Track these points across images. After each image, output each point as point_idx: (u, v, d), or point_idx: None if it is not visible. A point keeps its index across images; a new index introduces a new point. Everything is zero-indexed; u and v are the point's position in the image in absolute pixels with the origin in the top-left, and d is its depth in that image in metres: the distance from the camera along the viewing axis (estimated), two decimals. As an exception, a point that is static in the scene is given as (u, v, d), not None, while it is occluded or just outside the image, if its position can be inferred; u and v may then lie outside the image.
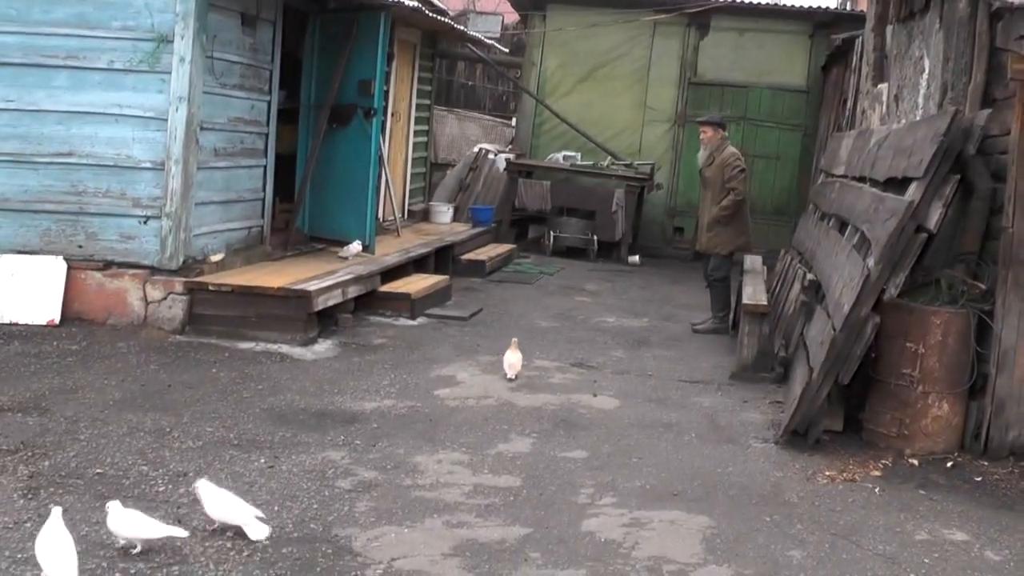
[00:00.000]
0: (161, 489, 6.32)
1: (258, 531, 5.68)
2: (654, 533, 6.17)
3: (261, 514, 5.81)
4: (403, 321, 11.63)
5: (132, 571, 5.21)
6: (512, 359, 9.58)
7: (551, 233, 18.39)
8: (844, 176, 11.72)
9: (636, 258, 18.21)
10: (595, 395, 9.15)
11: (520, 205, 18.72)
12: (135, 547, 5.39)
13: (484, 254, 16.12)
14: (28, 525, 5.63)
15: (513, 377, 9.49)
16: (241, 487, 6.40)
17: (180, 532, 5.51)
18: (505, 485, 6.80)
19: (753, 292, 10.96)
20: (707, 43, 19.71)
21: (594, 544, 5.96)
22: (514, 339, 9.79)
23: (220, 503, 5.72)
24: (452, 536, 5.92)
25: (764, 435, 8.25)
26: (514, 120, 23.48)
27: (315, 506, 6.21)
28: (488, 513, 6.30)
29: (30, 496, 6.03)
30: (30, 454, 6.70)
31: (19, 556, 5.28)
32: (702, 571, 5.70)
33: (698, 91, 19.69)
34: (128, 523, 5.38)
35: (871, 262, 8.01)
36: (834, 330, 7.95)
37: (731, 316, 12.25)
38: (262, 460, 6.93)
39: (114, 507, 5.42)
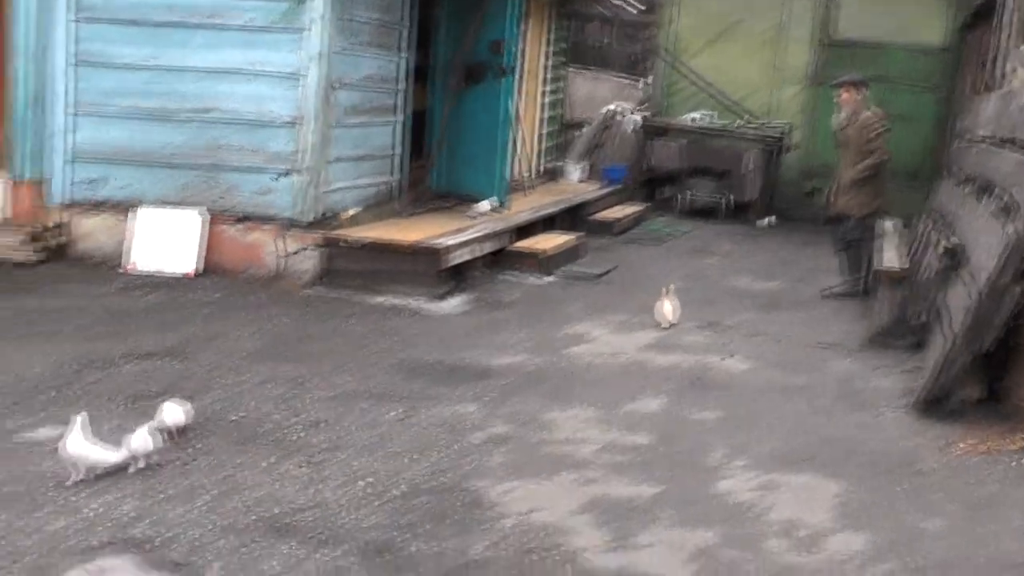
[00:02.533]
0: (297, 436, 6.46)
1: None
2: (787, 497, 6.11)
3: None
4: (533, 279, 11.67)
5: (270, 513, 5.34)
6: (667, 307, 9.77)
7: (682, 194, 18.24)
8: (986, 139, 11.39)
9: (768, 220, 17.98)
10: (729, 357, 9.07)
11: (651, 165, 18.59)
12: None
13: (614, 214, 16.06)
14: (175, 464, 5.81)
15: (669, 325, 9.74)
16: (375, 437, 6.53)
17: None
18: (636, 443, 6.80)
19: (890, 256, 10.74)
20: (843, 1, 19.27)
21: (726, 506, 5.94)
22: (671, 285, 9.95)
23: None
24: (584, 492, 5.95)
25: (898, 402, 8.10)
26: (645, 80, 23.29)
27: (448, 458, 6.29)
28: (619, 471, 6.31)
29: (175, 438, 6.22)
30: (175, 397, 6.89)
31: (168, 491, 5.48)
32: (836, 537, 5.64)
33: (832, 51, 19.22)
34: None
35: (1015, 227, 7.79)
36: (975, 297, 7.75)
37: (864, 281, 12.03)
38: (396, 412, 7.04)
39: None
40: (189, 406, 6.32)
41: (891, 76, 18.87)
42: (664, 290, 9.99)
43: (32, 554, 4.77)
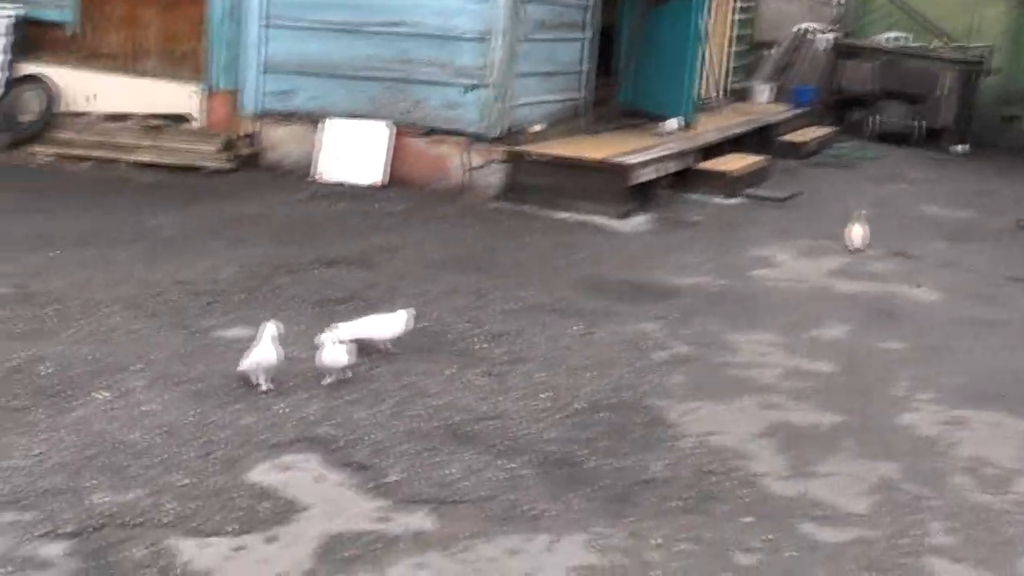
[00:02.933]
0: (480, 347, 6.53)
1: None
2: (974, 434, 5.91)
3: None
4: (718, 200, 11.51)
5: (451, 421, 5.42)
6: (856, 231, 9.65)
7: (873, 117, 17.70)
8: None
9: (963, 147, 17.32)
10: (917, 287, 8.82)
11: (842, 87, 18.07)
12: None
13: (802, 136, 15.69)
14: (360, 369, 5.93)
15: (855, 250, 9.64)
16: (558, 350, 6.56)
17: None
18: (820, 370, 6.68)
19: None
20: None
21: (910, 439, 5.78)
22: (862, 211, 9.82)
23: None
24: (764, 417, 5.87)
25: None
26: (839, -1, 22.55)
27: (629, 375, 6.28)
28: (801, 397, 6.21)
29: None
30: (360, 303, 7.05)
31: (351, 396, 5.61)
32: (1026, 477, 5.45)
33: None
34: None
35: None
36: None
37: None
38: (578, 327, 7.05)
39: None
40: (411, 313, 6.38)
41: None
42: (855, 215, 9.75)
43: (224, 447, 4.94)
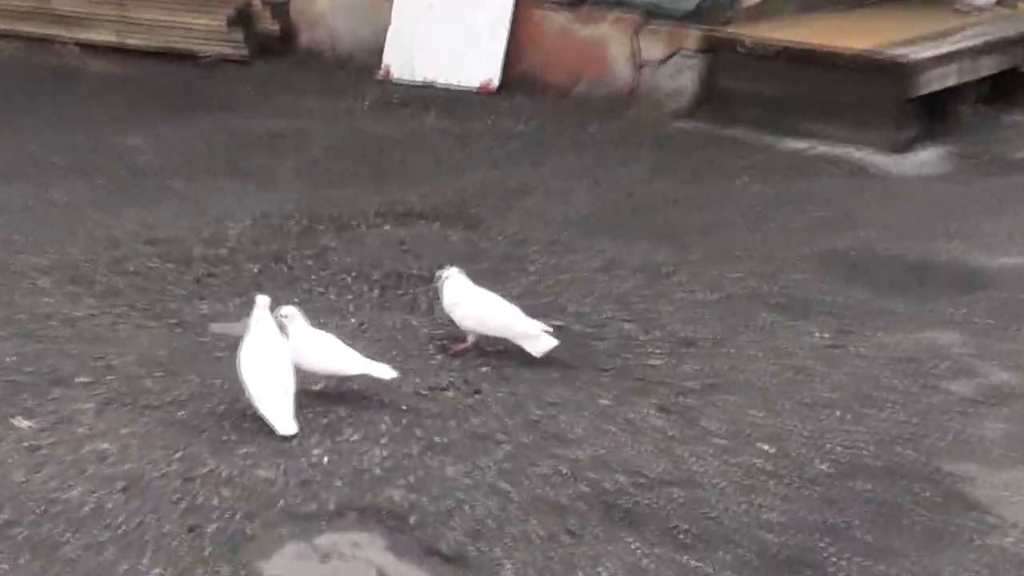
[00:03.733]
0: (656, 363, 6.47)
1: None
2: None
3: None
4: (1065, 124, 11.33)
5: (601, 488, 5.35)
6: None
7: None
8: None
9: None
10: None
11: None
12: None
13: None
14: (450, 395, 5.94)
15: None
16: (785, 375, 6.47)
17: None
18: None
19: None
20: None
21: None
22: None
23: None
24: None
25: None
26: None
27: (910, 419, 6.15)
28: None
29: (452, 351, 6.35)
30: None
31: (435, 439, 5.57)
32: None
33: None
34: None
35: None
36: None
37: None
38: (821, 335, 6.96)
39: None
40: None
41: None
42: None
43: (224, 518, 4.93)
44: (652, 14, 10.60)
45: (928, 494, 5.55)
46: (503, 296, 6.47)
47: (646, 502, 5.30)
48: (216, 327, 5.97)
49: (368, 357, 5.93)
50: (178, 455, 5.29)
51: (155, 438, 5.42)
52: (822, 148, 10.03)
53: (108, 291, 6.69)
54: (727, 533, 5.14)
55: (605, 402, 6.04)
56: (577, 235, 7.94)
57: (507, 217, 8.13)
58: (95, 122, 9.18)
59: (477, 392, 6.00)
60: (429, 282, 7.00)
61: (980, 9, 12.19)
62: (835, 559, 5.06)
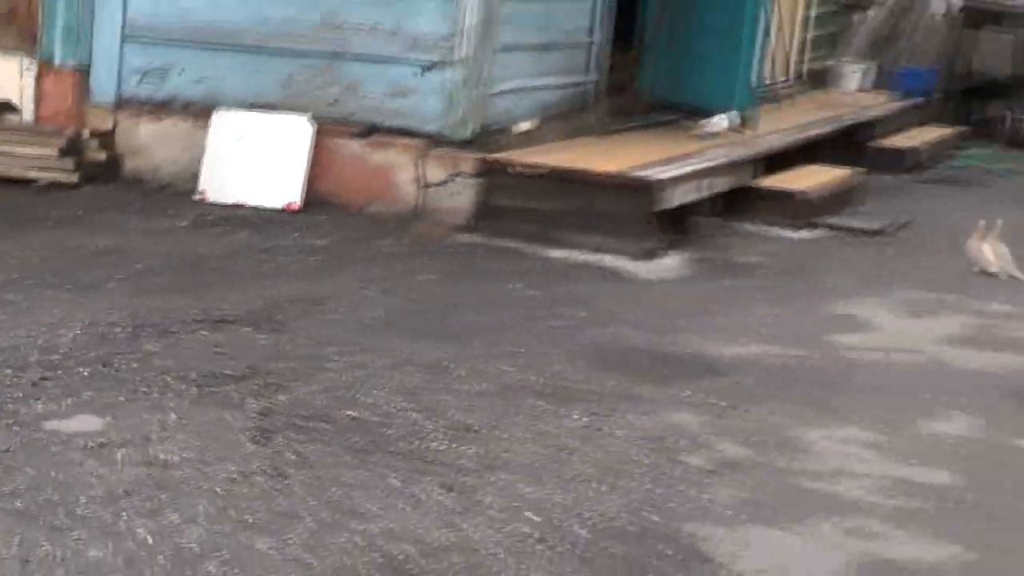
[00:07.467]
0: (439, 447, 6.54)
1: None
2: None
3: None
4: (787, 232, 11.64)
5: (395, 556, 5.42)
6: (986, 249, 10.18)
7: (1015, 112, 17.87)
8: None
9: None
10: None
11: (972, 69, 18.25)
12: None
13: (910, 140, 15.85)
14: (259, 479, 5.95)
15: (992, 274, 10.28)
16: (549, 453, 6.57)
17: None
18: (932, 482, 6.69)
19: None
20: None
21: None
22: (995, 221, 10.27)
23: None
24: (852, 550, 5.87)
25: None
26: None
27: (654, 489, 6.27)
28: (907, 521, 6.22)
29: (262, 441, 6.35)
30: (261, 384, 7.06)
31: (246, 519, 5.60)
32: None
33: None
34: None
35: None
36: None
37: None
38: (580, 418, 7.06)
39: None
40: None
41: None
42: (980, 225, 10.20)
43: None
44: (435, 142, 10.71)
45: (671, 552, 5.67)
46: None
47: (431, 568, 5.35)
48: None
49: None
50: (16, 541, 5.24)
51: (-4, 528, 5.39)
52: (582, 256, 10.19)
53: (-50, 395, 6.63)
54: (500, 593, 5.26)
55: (395, 482, 6.07)
56: (371, 337, 7.99)
57: (309, 322, 8.16)
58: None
59: (283, 476, 6.04)
60: (240, 381, 7.09)
61: (714, 136, 12.50)
62: (593, 613, 5.21)
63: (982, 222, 10.25)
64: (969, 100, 18.55)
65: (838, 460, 6.88)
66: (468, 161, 10.67)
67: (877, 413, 7.59)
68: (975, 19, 18.50)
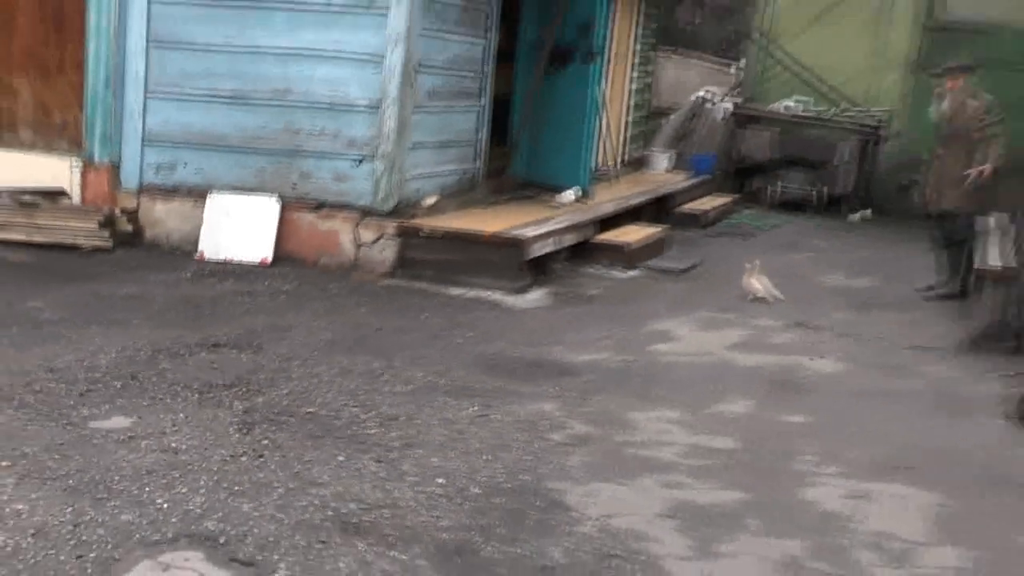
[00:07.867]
0: (372, 432, 6.51)
1: None
2: (878, 507, 6.02)
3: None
4: (617, 273, 11.67)
5: (342, 511, 5.38)
6: (755, 282, 10.53)
7: (773, 186, 18.10)
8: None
9: (863, 214, 17.75)
10: (819, 358, 8.99)
11: (742, 155, 18.47)
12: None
13: (702, 205, 15.99)
14: (244, 459, 5.89)
15: (760, 298, 10.60)
16: (452, 434, 6.55)
17: None
18: (722, 447, 6.76)
19: (994, 254, 10.50)
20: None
21: (814, 515, 5.87)
22: (756, 261, 10.63)
23: None
24: (667, 496, 5.92)
25: (1000, 410, 7.97)
26: (737, 65, 23.07)
27: (526, 458, 6.30)
28: (704, 475, 6.28)
29: (245, 432, 6.30)
30: (244, 390, 7.00)
31: (235, 488, 5.54)
32: (930, 551, 5.53)
33: (939, 35, 18.79)
34: None
35: None
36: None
37: (963, 281, 11.76)
38: (473, 408, 7.06)
39: None
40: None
41: (1004, 61, 18.14)
42: (748, 267, 10.55)
43: (100, 547, 4.84)
44: (367, 212, 10.68)
45: (540, 503, 5.69)
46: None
47: (368, 519, 5.34)
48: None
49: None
50: (70, 510, 5.18)
51: (54, 500, 5.28)
52: (473, 293, 10.18)
53: (22, 404, 6.50)
54: (417, 535, 5.21)
55: (341, 458, 6.04)
56: (324, 354, 7.94)
57: (278, 343, 8.10)
58: (8, 292, 8.91)
59: (261, 456, 5.98)
60: (229, 388, 7.02)
61: (565, 205, 12.55)
62: (484, 546, 5.17)
63: (751, 263, 10.41)
64: (741, 177, 18.76)
65: (656, 433, 6.92)
66: (391, 226, 10.61)
67: (683, 399, 7.64)
68: (743, 120, 18.75)
